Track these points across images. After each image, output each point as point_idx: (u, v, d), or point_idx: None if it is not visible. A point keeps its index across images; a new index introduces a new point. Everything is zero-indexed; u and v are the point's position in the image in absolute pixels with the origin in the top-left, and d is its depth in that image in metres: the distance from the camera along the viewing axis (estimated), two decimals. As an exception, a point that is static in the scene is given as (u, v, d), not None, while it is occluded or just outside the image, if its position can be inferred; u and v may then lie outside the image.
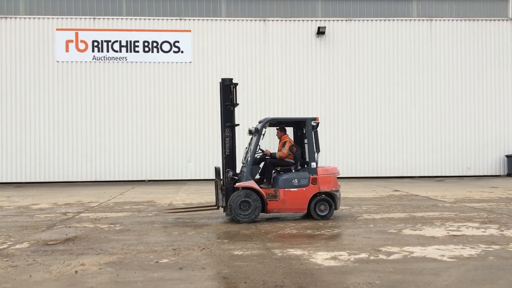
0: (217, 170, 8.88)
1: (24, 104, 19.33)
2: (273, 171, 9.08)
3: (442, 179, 19.35)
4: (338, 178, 9.33)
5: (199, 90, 19.88)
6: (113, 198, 13.24)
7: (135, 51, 19.79)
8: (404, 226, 8.03)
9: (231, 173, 8.78)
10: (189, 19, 19.94)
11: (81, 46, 19.57)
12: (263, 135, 8.95)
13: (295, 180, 8.79)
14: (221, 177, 8.79)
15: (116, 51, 19.70)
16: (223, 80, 8.99)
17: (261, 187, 8.78)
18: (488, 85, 20.57)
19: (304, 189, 8.77)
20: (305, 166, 9.15)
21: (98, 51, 19.65)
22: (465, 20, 20.57)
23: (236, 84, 9.11)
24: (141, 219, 9.22)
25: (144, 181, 19.57)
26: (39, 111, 19.38)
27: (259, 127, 9.02)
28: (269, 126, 9.25)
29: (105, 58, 19.64)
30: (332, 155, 19.77)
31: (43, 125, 19.38)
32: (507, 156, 20.34)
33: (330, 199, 8.88)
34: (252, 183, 8.67)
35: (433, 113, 20.46)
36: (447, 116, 20.49)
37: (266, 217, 9.27)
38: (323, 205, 8.85)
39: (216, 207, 8.98)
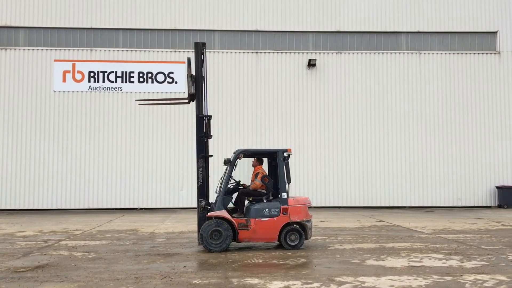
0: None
1: (20, 132, 19.78)
2: (246, 201, 9.30)
3: (432, 210, 19.40)
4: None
5: (192, 120, 20.15)
6: (98, 226, 13.46)
7: (130, 82, 20.32)
8: (370, 257, 8.18)
9: (203, 203, 9.03)
10: (184, 51, 20.49)
11: (78, 76, 20.13)
12: (235, 166, 9.22)
13: (266, 210, 9.01)
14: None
15: (112, 82, 20.25)
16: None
17: (233, 217, 8.99)
18: (477, 117, 20.81)
19: (274, 219, 8.98)
20: (278, 196, 9.37)
21: (94, 82, 20.20)
22: (453, 53, 20.99)
23: (210, 117, 9.47)
24: (117, 248, 9.43)
25: (136, 209, 19.80)
26: (35, 139, 19.80)
27: (231, 158, 9.30)
28: (244, 157, 9.55)
29: (100, 88, 20.17)
30: (323, 184, 19.94)
31: (38, 153, 19.77)
32: (497, 187, 20.41)
33: (300, 229, 9.07)
34: (223, 213, 8.89)
35: (423, 144, 20.67)
36: (437, 147, 20.69)
37: (240, 246, 9.45)
38: (293, 235, 9.04)
39: (187, 101, 9.88)
